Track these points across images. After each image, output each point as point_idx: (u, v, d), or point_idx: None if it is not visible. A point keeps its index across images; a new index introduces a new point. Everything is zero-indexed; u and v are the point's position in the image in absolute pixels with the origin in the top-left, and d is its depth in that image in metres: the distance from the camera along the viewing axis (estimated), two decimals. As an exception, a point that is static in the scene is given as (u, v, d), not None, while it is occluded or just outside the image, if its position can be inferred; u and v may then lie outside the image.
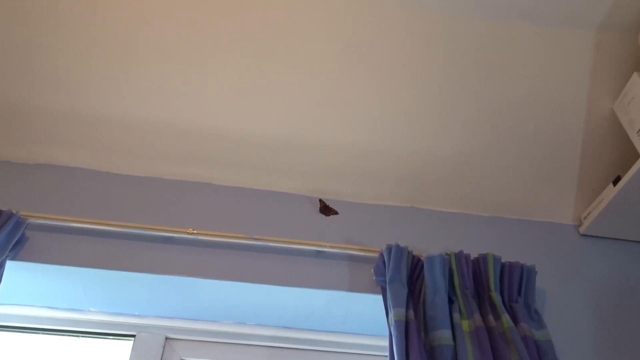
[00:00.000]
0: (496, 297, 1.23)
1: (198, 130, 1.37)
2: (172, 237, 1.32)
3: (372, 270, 1.34)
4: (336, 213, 1.48)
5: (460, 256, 1.31)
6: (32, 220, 1.20)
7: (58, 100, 1.26)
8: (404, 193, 1.53)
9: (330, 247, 1.36)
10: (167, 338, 1.33)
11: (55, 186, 1.33)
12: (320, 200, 1.49)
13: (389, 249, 1.30)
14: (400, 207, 1.55)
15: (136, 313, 1.34)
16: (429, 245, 1.42)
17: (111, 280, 1.25)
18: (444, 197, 1.54)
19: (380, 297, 1.28)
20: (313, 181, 1.51)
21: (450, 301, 1.23)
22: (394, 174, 1.50)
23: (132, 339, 1.30)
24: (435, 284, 1.23)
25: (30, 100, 1.25)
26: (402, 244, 1.32)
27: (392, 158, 1.45)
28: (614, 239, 1.42)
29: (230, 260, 1.31)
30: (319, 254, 1.37)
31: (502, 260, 1.30)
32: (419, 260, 1.31)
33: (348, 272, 1.36)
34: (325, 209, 1.58)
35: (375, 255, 1.35)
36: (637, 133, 1.18)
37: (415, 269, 1.31)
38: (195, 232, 1.33)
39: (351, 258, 1.38)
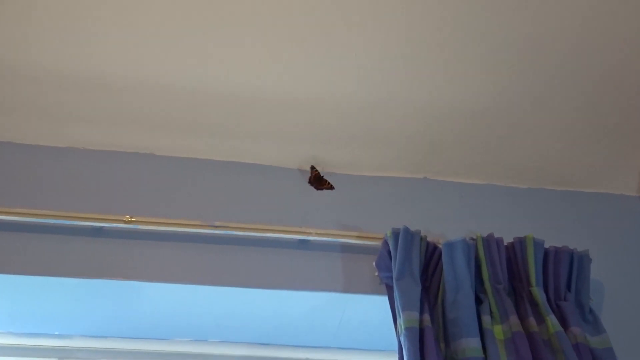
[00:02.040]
0: (538, 293, 1.22)
1: (134, 82, 1.32)
2: (102, 227, 1.29)
3: (374, 263, 1.34)
4: (331, 187, 1.55)
5: (489, 241, 1.30)
6: None
7: None
8: (414, 161, 1.55)
9: (318, 234, 1.36)
10: (99, 366, 1.30)
11: None
12: (313, 168, 1.58)
13: (396, 234, 1.30)
14: (409, 178, 1.57)
15: (56, 333, 1.32)
16: (448, 227, 1.43)
17: (20, 288, 1.21)
18: (466, 165, 1.55)
19: (385, 299, 1.27)
20: (295, 148, 1.51)
21: (478, 300, 1.23)
22: (400, 137, 1.50)
23: (52, 368, 1.27)
24: (457, 279, 1.23)
25: None
26: (412, 227, 1.32)
27: (397, 115, 1.44)
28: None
29: (183, 257, 1.31)
30: (303, 245, 1.37)
31: (546, 245, 1.30)
32: (435, 247, 1.32)
33: (342, 267, 1.36)
34: (318, 180, 1.57)
35: (378, 243, 1.35)
36: None
37: (430, 260, 1.31)
38: (133, 219, 1.30)
39: (346, 248, 1.38)
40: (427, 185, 1.58)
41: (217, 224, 1.34)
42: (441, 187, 1.57)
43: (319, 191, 1.58)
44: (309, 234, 1.37)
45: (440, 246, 1.30)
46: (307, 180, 1.57)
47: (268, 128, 1.47)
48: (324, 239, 1.37)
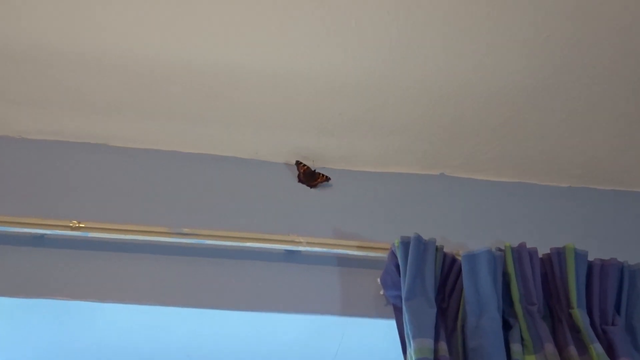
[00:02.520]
0: (580, 316, 1.22)
1: (78, 55, 1.31)
2: (43, 235, 1.30)
3: (379, 279, 1.35)
4: (326, 179, 1.56)
5: (521, 252, 1.31)
6: None
7: None
8: (428, 153, 1.56)
9: (310, 243, 1.37)
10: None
11: None
12: (300, 164, 1.59)
13: (405, 243, 1.31)
14: (422, 175, 1.58)
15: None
16: (469, 235, 1.44)
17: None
18: (493, 159, 1.56)
19: (392, 323, 1.28)
20: (280, 137, 1.53)
21: (507, 325, 1.24)
22: (410, 123, 1.50)
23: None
24: (481, 298, 1.24)
25: None
26: (426, 235, 1.33)
27: (407, 97, 1.44)
28: None
29: (143, 271, 1.31)
30: (292, 257, 1.38)
31: (590, 257, 1.30)
32: (453, 260, 1.33)
33: (339, 285, 1.36)
34: (308, 176, 1.58)
35: (384, 255, 1.36)
36: None
37: (448, 275, 1.32)
38: (81, 225, 1.31)
39: (344, 261, 1.39)
40: (445, 184, 1.59)
41: (186, 231, 1.35)
42: (462, 186, 1.58)
43: (311, 191, 1.57)
44: (299, 243, 1.38)
45: (459, 258, 1.30)
46: (297, 178, 1.57)
47: (247, 112, 1.48)
48: (317, 249, 1.38)
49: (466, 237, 1.45)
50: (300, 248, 1.38)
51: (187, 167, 1.54)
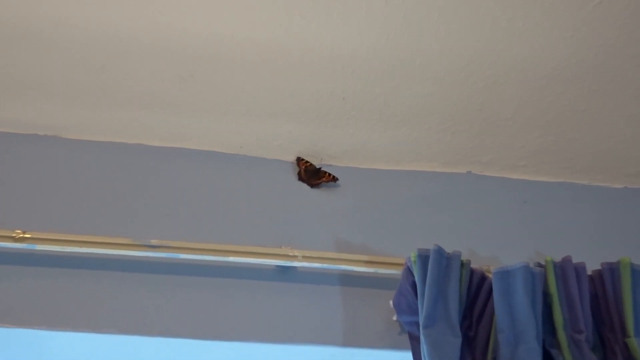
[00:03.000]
0: (639, 347, 1.22)
1: (18, 22, 1.33)
2: None
3: (391, 302, 1.36)
4: (333, 179, 1.58)
5: (565, 268, 1.31)
6: None
7: None
8: (453, 147, 1.57)
9: (307, 258, 1.39)
10: None
11: None
12: (300, 161, 1.60)
13: (424, 258, 1.32)
14: (445, 174, 1.60)
15: None
16: (502, 247, 1.48)
17: None
18: (531, 154, 1.57)
19: (407, 355, 1.29)
20: (275, 128, 1.55)
21: (548, 357, 1.23)
22: (431, 110, 1.52)
23: None
24: (516, 325, 1.24)
25: None
26: (449, 247, 1.33)
27: (427, 78, 1.45)
28: None
29: (103, 292, 1.32)
30: (286, 274, 1.40)
31: None
32: (483, 277, 1.34)
33: (344, 308, 1.37)
34: (310, 174, 1.60)
35: (397, 271, 1.37)
36: None
37: (476, 297, 1.33)
38: (27, 235, 1.31)
39: (349, 279, 1.41)
40: (472, 184, 1.61)
41: (155, 242, 1.35)
42: (493, 187, 1.60)
43: (311, 193, 1.57)
44: (294, 257, 1.38)
45: (490, 275, 1.30)
46: (297, 177, 1.58)
47: (229, 97, 1.49)
48: (317, 265, 1.38)
49: (498, 249, 1.46)
50: (296, 263, 1.39)
51: (157, 164, 1.54)
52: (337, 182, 1.56)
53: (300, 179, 1.58)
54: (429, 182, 1.60)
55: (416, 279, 1.31)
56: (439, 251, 1.32)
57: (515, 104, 1.51)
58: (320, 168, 1.58)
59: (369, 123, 1.56)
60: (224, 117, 1.55)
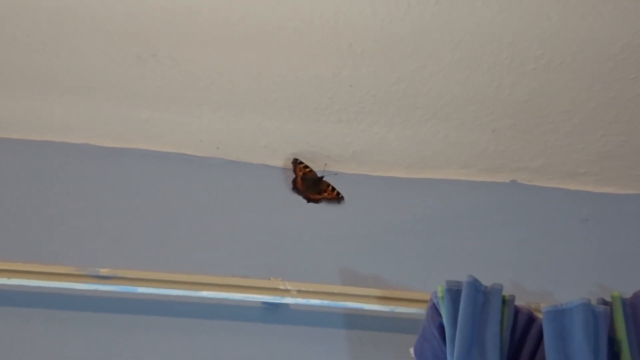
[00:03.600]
0: None
1: None
2: None
3: (412, 350, 1.36)
4: (336, 198, 1.58)
5: (637, 306, 1.32)
6: None
7: None
8: (492, 148, 1.59)
9: (303, 292, 1.40)
10: None
11: None
12: (297, 163, 1.60)
13: (454, 292, 1.33)
14: (483, 183, 1.64)
15: None
16: (554, 278, 1.48)
17: None
18: (595, 158, 1.61)
19: None
20: (258, 124, 1.57)
21: None
22: (463, 100, 1.53)
23: None
24: None
25: None
26: (486, 279, 1.33)
27: (458, 60, 1.46)
28: None
29: (43, 335, 1.36)
30: (276, 313, 1.43)
31: None
32: (530, 318, 1.35)
33: (349, 357, 1.40)
34: (310, 184, 1.60)
35: (419, 310, 1.38)
36: None
37: (522, 342, 1.33)
38: None
39: (357, 320, 1.43)
40: (518, 196, 1.62)
41: (105, 272, 1.36)
42: (544, 200, 1.61)
43: (307, 207, 1.56)
44: (286, 292, 1.40)
45: (540, 316, 1.31)
46: (291, 185, 1.58)
47: (209, 85, 1.51)
48: (314, 301, 1.40)
49: (551, 281, 1.47)
50: (289, 299, 1.40)
51: (108, 170, 1.54)
52: (342, 201, 1.55)
53: (296, 188, 1.57)
54: (462, 195, 1.60)
55: (444, 320, 1.31)
56: (474, 284, 1.32)
57: (573, 93, 1.52)
58: (322, 177, 1.57)
59: (384, 117, 1.56)
60: (195, 110, 1.56)
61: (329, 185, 1.56)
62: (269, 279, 1.42)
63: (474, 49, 1.44)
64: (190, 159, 1.58)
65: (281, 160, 1.60)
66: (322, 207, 1.57)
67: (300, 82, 1.50)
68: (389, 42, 1.43)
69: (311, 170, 1.58)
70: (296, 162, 1.58)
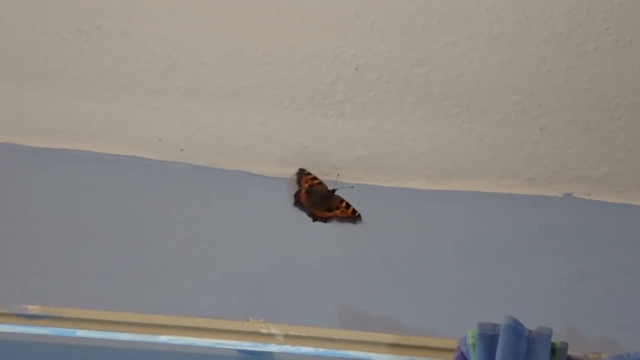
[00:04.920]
0: None
1: None
2: None
3: None
4: (354, 216, 1.61)
5: None
6: None
7: None
8: (540, 151, 1.61)
9: (292, 337, 1.43)
10: None
11: None
12: (306, 174, 1.65)
13: (488, 338, 1.37)
14: (529, 197, 1.67)
15: None
16: (619, 321, 1.49)
17: None
18: None
19: None
20: (238, 117, 1.60)
21: None
22: (505, 90, 1.56)
23: None
24: None
25: None
26: (530, 322, 1.36)
27: (497, 35, 1.50)
28: None
29: None
30: None
31: None
32: None
33: None
34: (318, 198, 1.64)
35: None
36: None
37: None
38: None
39: None
40: (573, 214, 1.64)
41: (33, 310, 1.39)
42: (608, 220, 1.62)
43: (301, 229, 1.59)
44: (270, 337, 1.42)
45: None
46: (293, 199, 1.62)
47: (171, 68, 1.51)
48: (307, 350, 1.42)
49: (614, 325, 1.48)
50: (273, 347, 1.42)
51: (35, 176, 1.56)
52: (360, 221, 1.57)
53: (299, 203, 1.61)
54: (502, 212, 1.62)
55: None
56: (515, 328, 1.36)
57: None
58: (334, 191, 1.60)
59: (401, 110, 1.58)
60: (152, 99, 1.56)
61: (342, 201, 1.60)
62: (248, 320, 1.43)
63: (519, 21, 1.45)
64: (147, 164, 1.59)
65: (265, 166, 1.61)
66: (320, 228, 1.60)
67: (291, 63, 1.51)
68: (407, 11, 1.43)
69: (320, 183, 1.61)
70: (302, 173, 1.62)
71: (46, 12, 1.45)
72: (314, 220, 1.59)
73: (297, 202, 1.61)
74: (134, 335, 1.40)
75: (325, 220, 1.60)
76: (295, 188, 1.62)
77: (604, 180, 1.64)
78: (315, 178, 1.60)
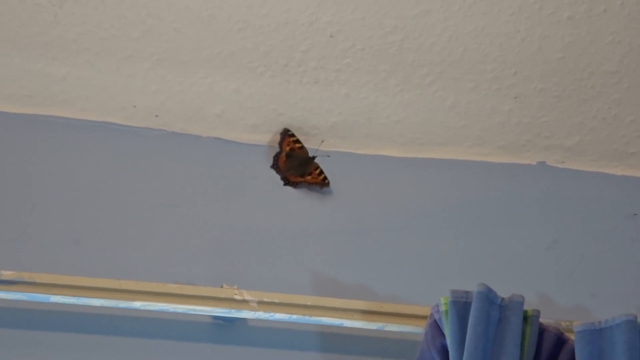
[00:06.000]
0: None
1: None
2: None
3: None
4: (322, 182, 1.61)
5: None
6: None
7: None
8: (514, 119, 1.62)
9: (265, 304, 1.42)
10: None
11: None
12: (289, 135, 1.63)
13: (461, 305, 1.36)
14: (502, 165, 1.67)
15: None
16: (590, 289, 1.50)
17: None
18: None
19: None
20: (212, 83, 1.59)
21: None
22: (479, 58, 1.57)
23: None
24: None
25: None
26: (503, 290, 1.36)
27: (472, 3, 1.51)
28: None
29: None
30: (229, 330, 1.45)
31: None
32: (560, 339, 1.39)
33: None
34: (296, 162, 1.63)
35: (416, 328, 1.42)
36: None
37: None
38: None
39: (335, 341, 1.46)
40: (547, 182, 1.64)
41: (8, 275, 1.37)
42: (581, 188, 1.63)
43: (277, 194, 1.59)
44: (243, 303, 1.41)
45: (571, 337, 1.35)
46: (272, 161, 1.61)
47: (146, 32, 1.53)
48: (280, 316, 1.42)
49: (586, 293, 1.48)
50: (247, 313, 1.42)
51: (6, 142, 1.57)
52: (326, 187, 1.57)
53: (276, 166, 1.60)
54: (475, 180, 1.62)
55: (448, 341, 1.34)
56: (488, 295, 1.36)
57: (621, 49, 1.53)
58: (314, 158, 1.60)
59: (375, 77, 1.58)
60: (126, 65, 1.55)
61: (317, 167, 1.59)
62: (221, 287, 1.42)
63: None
64: (120, 130, 1.59)
65: (239, 132, 1.61)
66: (294, 195, 1.59)
67: (265, 30, 1.51)
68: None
69: (302, 147, 1.60)
70: (286, 134, 1.61)
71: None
72: (284, 185, 1.59)
73: (275, 165, 1.61)
74: (107, 301, 1.39)
75: (295, 185, 1.59)
76: (277, 149, 1.60)
77: (577, 149, 1.64)
78: (298, 141, 1.60)
